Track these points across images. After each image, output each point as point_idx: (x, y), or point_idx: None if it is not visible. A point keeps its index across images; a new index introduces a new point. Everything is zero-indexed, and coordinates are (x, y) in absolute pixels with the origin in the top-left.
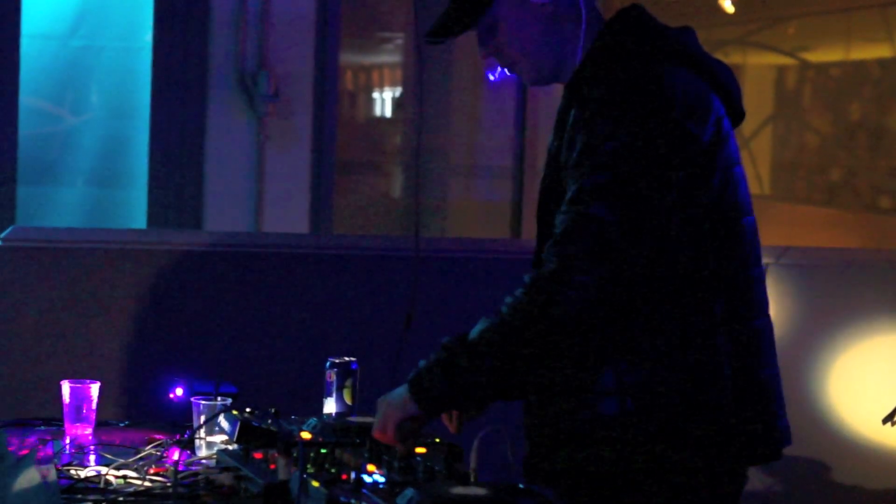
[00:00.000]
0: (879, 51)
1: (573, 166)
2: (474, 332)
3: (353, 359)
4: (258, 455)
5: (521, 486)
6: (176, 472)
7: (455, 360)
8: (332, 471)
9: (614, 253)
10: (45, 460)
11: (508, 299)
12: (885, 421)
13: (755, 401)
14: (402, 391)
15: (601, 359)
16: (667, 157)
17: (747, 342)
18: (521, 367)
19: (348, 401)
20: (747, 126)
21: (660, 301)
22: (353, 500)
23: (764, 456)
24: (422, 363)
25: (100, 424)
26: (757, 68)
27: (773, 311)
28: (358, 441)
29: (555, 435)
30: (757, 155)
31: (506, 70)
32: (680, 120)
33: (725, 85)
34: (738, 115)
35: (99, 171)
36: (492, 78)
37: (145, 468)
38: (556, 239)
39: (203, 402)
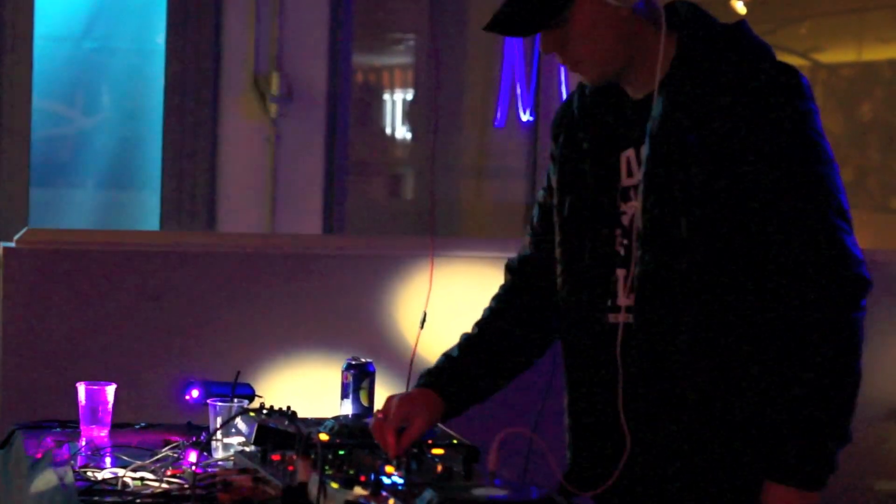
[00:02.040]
0: (892, 51)
1: (784, 185)
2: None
3: (369, 360)
4: (276, 457)
5: (537, 487)
6: (193, 473)
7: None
8: (351, 472)
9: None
10: (62, 462)
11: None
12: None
13: None
14: None
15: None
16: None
17: None
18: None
19: (365, 402)
20: None
21: None
22: (371, 502)
23: None
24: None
25: (116, 426)
26: None
27: None
28: (376, 442)
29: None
30: None
31: (566, 66)
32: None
33: None
34: None
35: (111, 172)
36: None
37: (162, 470)
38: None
39: (219, 403)
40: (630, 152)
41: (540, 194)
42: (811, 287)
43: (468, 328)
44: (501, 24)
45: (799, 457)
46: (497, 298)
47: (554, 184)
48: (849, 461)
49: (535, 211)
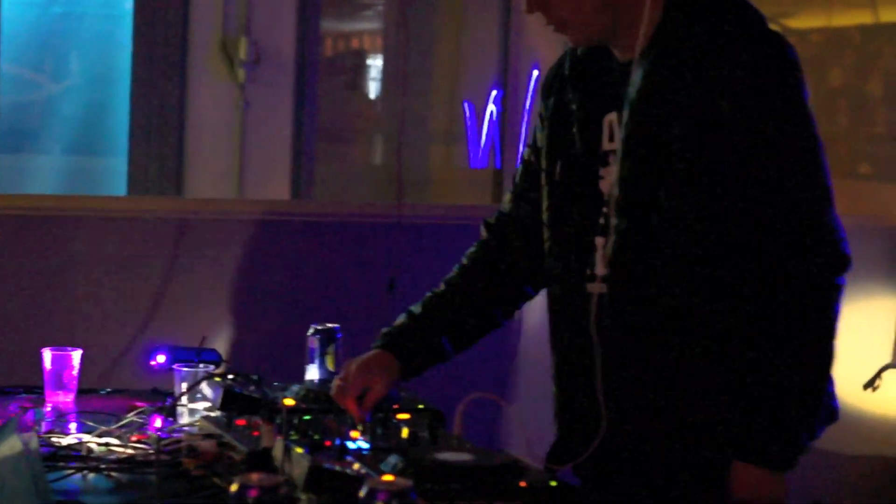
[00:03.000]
0: (860, 17)
1: (769, 158)
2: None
3: (335, 325)
4: (241, 422)
5: (502, 451)
6: (158, 439)
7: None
8: (316, 437)
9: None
10: (27, 428)
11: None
12: (866, 387)
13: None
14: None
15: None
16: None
17: None
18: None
19: (331, 367)
20: None
21: None
22: (337, 467)
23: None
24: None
25: (81, 392)
26: None
27: None
28: (342, 408)
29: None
30: None
31: (552, 27)
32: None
33: None
34: None
35: (79, 138)
36: None
37: (127, 436)
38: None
39: (185, 369)
40: (613, 116)
41: (525, 152)
42: (790, 263)
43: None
44: None
45: (768, 436)
46: (469, 255)
47: (543, 146)
48: (828, 428)
49: (519, 168)
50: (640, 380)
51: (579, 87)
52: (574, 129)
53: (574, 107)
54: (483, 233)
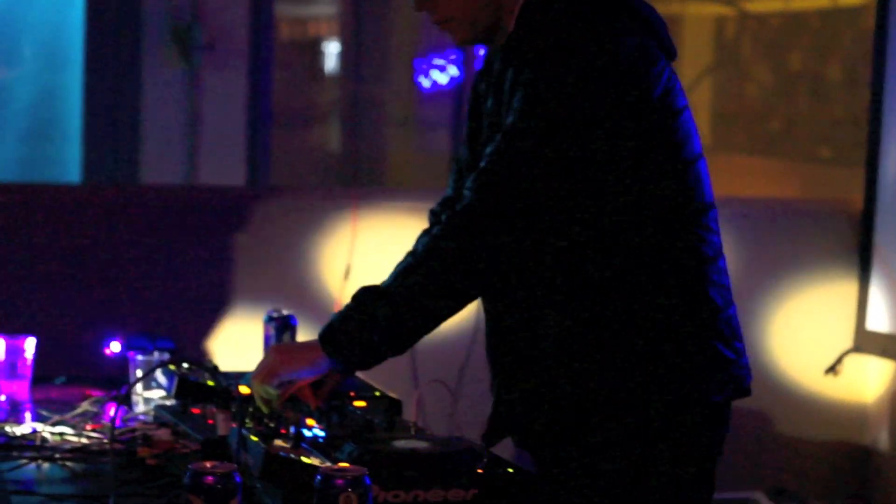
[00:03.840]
0: (818, 1)
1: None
2: (389, 281)
3: (291, 312)
4: (196, 410)
5: (459, 438)
6: (112, 428)
7: (373, 312)
8: (271, 425)
9: (538, 191)
10: None
11: (425, 239)
12: (827, 372)
13: (730, 335)
14: (308, 345)
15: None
16: (609, 111)
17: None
18: (443, 310)
19: None
20: (687, 77)
21: (643, 238)
22: (292, 455)
23: (738, 391)
24: (334, 317)
25: (35, 381)
26: (696, 19)
27: None
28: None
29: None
30: (697, 106)
31: (438, 26)
32: (625, 75)
33: (656, 26)
34: (670, 54)
35: (32, 125)
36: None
37: (82, 425)
38: (479, 175)
39: (140, 357)
40: None
41: (465, 135)
42: None
43: None
44: None
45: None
46: (418, 242)
47: (465, 135)
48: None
49: (461, 151)
50: (523, 355)
51: (489, 79)
52: (482, 120)
53: (482, 99)
54: (430, 220)
